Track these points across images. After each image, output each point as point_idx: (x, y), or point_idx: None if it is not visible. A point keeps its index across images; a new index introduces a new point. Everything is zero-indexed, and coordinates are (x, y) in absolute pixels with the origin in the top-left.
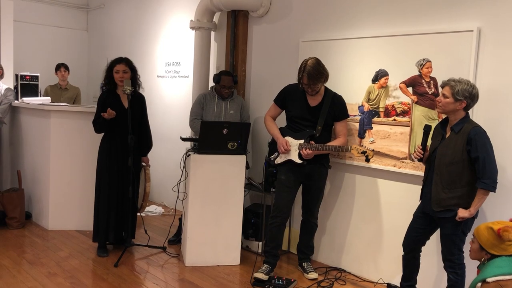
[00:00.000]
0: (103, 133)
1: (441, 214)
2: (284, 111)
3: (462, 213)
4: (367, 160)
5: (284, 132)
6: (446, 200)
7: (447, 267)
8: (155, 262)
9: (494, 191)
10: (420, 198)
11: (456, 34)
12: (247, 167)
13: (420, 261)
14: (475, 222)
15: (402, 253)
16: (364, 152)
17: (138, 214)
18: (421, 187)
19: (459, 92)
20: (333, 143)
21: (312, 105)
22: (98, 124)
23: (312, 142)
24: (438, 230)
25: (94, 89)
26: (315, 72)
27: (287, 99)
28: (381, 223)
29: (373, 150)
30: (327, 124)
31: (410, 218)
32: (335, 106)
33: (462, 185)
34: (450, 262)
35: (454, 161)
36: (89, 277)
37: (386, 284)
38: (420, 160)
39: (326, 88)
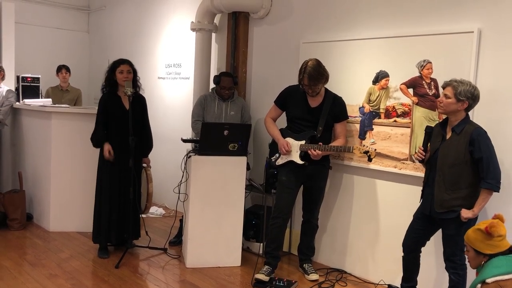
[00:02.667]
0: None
1: (444, 215)
2: (284, 112)
3: (465, 213)
4: (370, 159)
5: (284, 133)
6: (449, 201)
7: (449, 267)
8: (156, 264)
9: (498, 191)
10: (421, 199)
11: (456, 35)
12: (248, 168)
13: (420, 262)
14: (477, 222)
15: (402, 254)
16: (366, 152)
17: (141, 215)
18: (421, 188)
19: (462, 93)
20: (335, 143)
21: (313, 106)
22: (96, 139)
23: (321, 143)
24: (438, 230)
25: (95, 90)
26: (315, 73)
27: (288, 100)
28: (382, 224)
29: (375, 149)
30: (327, 125)
31: (411, 219)
32: (336, 107)
33: (465, 186)
34: (452, 263)
35: (457, 162)
36: (90, 278)
37: (387, 285)
38: (421, 161)
39: (326, 90)
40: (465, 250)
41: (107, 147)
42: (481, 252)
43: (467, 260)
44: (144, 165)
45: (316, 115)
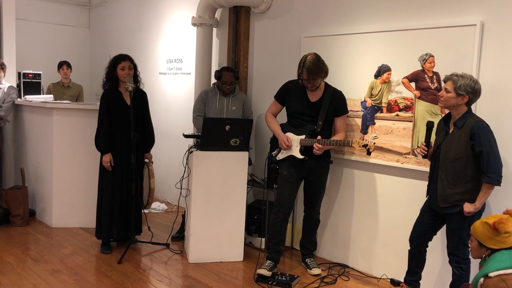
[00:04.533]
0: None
1: (448, 210)
2: (285, 107)
3: (467, 207)
4: (368, 153)
5: (285, 128)
6: (452, 196)
7: (452, 261)
8: (159, 259)
9: (499, 185)
10: (427, 194)
11: (459, 29)
12: (250, 163)
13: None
14: (482, 216)
15: (407, 248)
16: (365, 146)
17: (143, 210)
18: (425, 182)
19: (461, 87)
20: (335, 138)
21: (313, 101)
22: (102, 147)
23: (319, 137)
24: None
25: (97, 86)
26: (314, 67)
27: (288, 95)
28: (384, 218)
29: (374, 143)
30: (327, 120)
31: (414, 213)
32: (335, 102)
33: (467, 180)
34: (455, 257)
35: (459, 157)
36: (92, 274)
37: (389, 280)
38: (425, 156)
39: (326, 84)
40: (469, 239)
41: (108, 158)
42: (484, 245)
43: (469, 249)
44: (146, 160)
45: (316, 110)
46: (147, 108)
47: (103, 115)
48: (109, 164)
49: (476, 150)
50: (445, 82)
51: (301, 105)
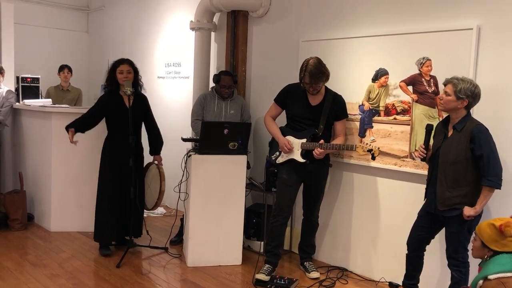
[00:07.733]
0: (106, 134)
1: (447, 213)
2: (285, 110)
3: (468, 211)
4: (373, 158)
5: (284, 131)
6: (451, 199)
7: (451, 265)
8: (157, 263)
9: (500, 188)
10: (425, 197)
11: (456, 33)
12: (248, 167)
13: (424, 260)
14: (480, 220)
15: (405, 251)
16: (370, 150)
17: (149, 212)
18: (424, 185)
19: (462, 91)
20: (336, 142)
21: (313, 104)
22: (83, 120)
23: (322, 141)
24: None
25: (95, 90)
26: (316, 71)
27: (288, 98)
28: (383, 222)
29: (379, 147)
30: (328, 123)
31: (411, 216)
32: (336, 106)
33: (467, 184)
34: (455, 260)
35: (458, 160)
36: (91, 278)
37: (388, 283)
38: (423, 159)
39: (326, 88)
40: (469, 242)
41: (70, 133)
42: (487, 246)
43: (470, 248)
44: (156, 162)
45: (317, 114)
46: (150, 112)
47: (93, 109)
48: (70, 139)
49: (477, 153)
50: (445, 85)
51: (302, 109)
